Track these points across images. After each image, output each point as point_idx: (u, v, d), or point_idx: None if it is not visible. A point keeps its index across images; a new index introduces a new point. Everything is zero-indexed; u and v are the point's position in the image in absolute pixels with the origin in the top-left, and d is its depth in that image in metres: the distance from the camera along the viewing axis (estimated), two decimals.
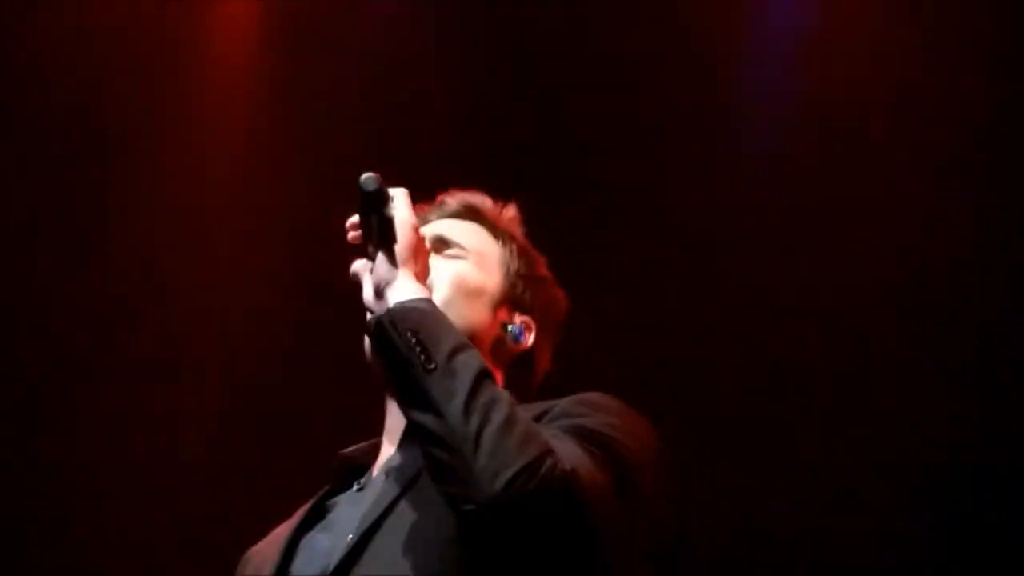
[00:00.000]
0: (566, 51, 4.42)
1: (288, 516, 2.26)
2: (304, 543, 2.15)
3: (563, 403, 2.07)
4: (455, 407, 1.88)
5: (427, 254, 2.12)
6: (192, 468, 4.38)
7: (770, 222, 4.16)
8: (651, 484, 2.03)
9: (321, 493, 2.24)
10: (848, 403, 4.03)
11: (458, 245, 2.28)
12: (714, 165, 4.24)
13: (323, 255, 4.37)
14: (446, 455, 1.89)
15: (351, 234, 2.10)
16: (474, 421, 1.87)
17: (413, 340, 1.93)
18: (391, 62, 4.53)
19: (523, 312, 2.29)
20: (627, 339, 4.09)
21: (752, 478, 3.99)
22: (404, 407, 1.98)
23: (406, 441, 2.13)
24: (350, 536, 2.04)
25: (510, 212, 2.37)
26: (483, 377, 1.92)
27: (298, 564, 2.13)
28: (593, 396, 2.09)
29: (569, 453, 1.91)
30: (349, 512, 2.12)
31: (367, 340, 2.10)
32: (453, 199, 2.36)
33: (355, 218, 2.09)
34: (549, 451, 1.88)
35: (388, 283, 2.03)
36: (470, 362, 1.93)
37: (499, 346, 2.25)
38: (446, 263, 2.25)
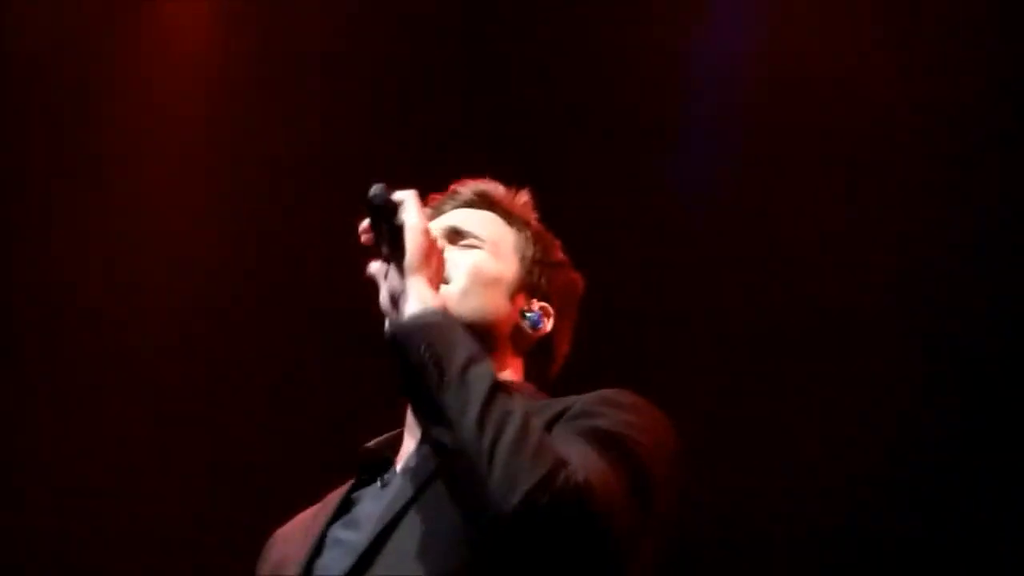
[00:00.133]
0: (522, 51, 4.44)
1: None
2: (330, 539, 2.16)
3: (581, 400, 2.07)
4: (468, 422, 1.89)
5: (440, 257, 2.11)
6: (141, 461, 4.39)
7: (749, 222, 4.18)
8: (666, 482, 2.04)
9: (348, 487, 2.24)
10: (848, 403, 4.03)
11: (473, 235, 2.28)
12: (661, 166, 4.25)
13: (276, 251, 4.45)
14: (460, 470, 1.90)
15: (363, 237, 2.10)
16: (487, 436, 1.88)
17: (427, 355, 1.94)
18: (345, 60, 4.54)
19: (541, 298, 2.29)
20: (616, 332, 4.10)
21: (752, 478, 3.99)
22: (420, 420, 2.00)
23: (425, 438, 2.13)
24: (371, 532, 2.05)
25: (523, 198, 2.38)
26: (496, 390, 1.93)
27: (324, 561, 2.13)
28: (611, 393, 2.09)
29: (583, 461, 1.92)
30: (372, 509, 2.13)
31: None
32: (466, 188, 2.36)
33: (366, 222, 2.09)
34: (562, 463, 1.89)
35: (402, 292, 2.03)
36: (483, 375, 1.93)
37: (518, 333, 2.26)
38: (462, 253, 2.25)
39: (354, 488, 2.24)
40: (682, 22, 4.33)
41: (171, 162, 4.57)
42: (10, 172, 4.49)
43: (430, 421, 1.94)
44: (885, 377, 4.02)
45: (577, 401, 2.07)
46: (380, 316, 2.08)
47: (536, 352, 2.29)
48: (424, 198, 2.18)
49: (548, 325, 2.28)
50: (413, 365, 1.94)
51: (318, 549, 2.15)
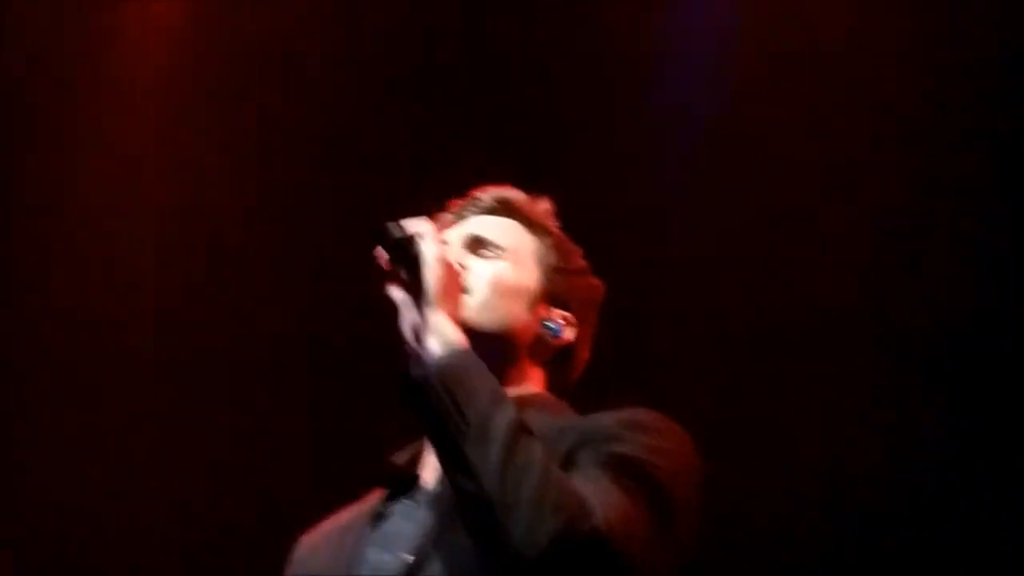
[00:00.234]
0: (522, 51, 4.44)
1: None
2: (362, 556, 2.16)
3: (604, 423, 2.08)
4: (490, 473, 1.91)
5: (459, 286, 2.13)
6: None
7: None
8: (689, 510, 2.06)
9: (376, 501, 2.24)
10: (848, 403, 4.03)
11: (495, 245, 2.28)
12: (661, 166, 4.25)
13: (243, 255, 4.46)
14: (483, 518, 1.92)
15: (380, 261, 2.10)
16: (509, 486, 1.90)
17: (447, 400, 1.95)
18: (345, 60, 4.55)
19: (562, 306, 2.30)
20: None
21: (752, 478, 3.99)
22: (441, 464, 2.00)
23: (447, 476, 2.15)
24: (405, 555, 2.07)
25: (544, 205, 2.38)
26: (517, 436, 1.94)
27: None
28: (634, 415, 2.10)
29: (605, 499, 1.94)
30: (403, 528, 2.14)
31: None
32: (486, 195, 2.36)
33: (382, 252, 2.10)
34: (584, 509, 1.91)
35: (422, 329, 2.04)
36: (504, 420, 1.95)
37: (539, 343, 2.27)
38: (483, 264, 2.25)
39: (383, 500, 2.24)
40: (683, 22, 4.33)
41: (157, 161, 4.58)
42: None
43: (450, 467, 1.97)
44: (885, 377, 4.02)
45: (599, 421, 2.09)
46: (396, 332, 2.08)
47: (557, 360, 2.30)
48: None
49: (569, 334, 2.29)
50: (434, 412, 1.97)
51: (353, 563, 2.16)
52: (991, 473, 3.88)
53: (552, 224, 2.36)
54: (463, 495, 1.95)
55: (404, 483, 2.22)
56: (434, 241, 2.08)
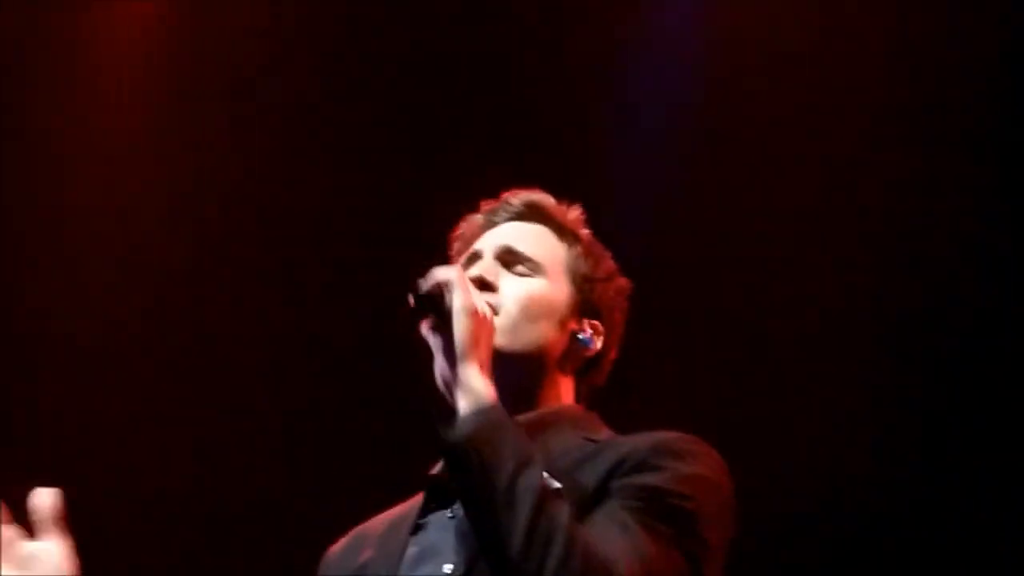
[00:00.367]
0: (522, 51, 4.44)
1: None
2: (405, 563, 2.17)
3: (637, 449, 2.09)
4: (517, 538, 1.94)
5: (490, 334, 2.12)
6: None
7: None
8: (720, 546, 2.12)
9: (417, 515, 2.24)
10: (848, 403, 4.03)
11: (527, 258, 2.28)
12: (661, 166, 4.25)
13: (222, 254, 4.46)
14: None
15: (411, 301, 2.10)
16: (535, 554, 1.93)
17: (476, 462, 1.97)
18: (345, 60, 4.55)
19: (592, 316, 2.31)
20: None
21: (752, 478, 3.98)
22: (471, 526, 2.02)
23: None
24: (447, 567, 2.10)
25: (574, 212, 2.38)
26: (543, 503, 1.96)
27: None
28: (666, 440, 2.11)
29: (632, 557, 1.97)
30: (442, 540, 2.15)
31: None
32: (517, 199, 2.36)
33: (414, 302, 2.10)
34: (609, 572, 1.93)
35: (452, 383, 2.05)
36: (530, 486, 1.96)
37: (569, 356, 2.28)
38: (515, 282, 2.26)
39: (422, 511, 2.24)
40: (683, 22, 4.33)
41: (133, 161, 4.58)
42: None
43: (479, 529, 1.99)
44: (885, 377, 4.02)
45: (632, 447, 2.09)
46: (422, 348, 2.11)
47: (586, 369, 2.31)
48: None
49: (599, 344, 2.30)
50: (464, 472, 1.99)
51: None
52: (991, 473, 3.88)
53: (582, 230, 2.37)
54: (490, 558, 1.97)
55: (441, 493, 2.22)
56: (462, 289, 2.08)
